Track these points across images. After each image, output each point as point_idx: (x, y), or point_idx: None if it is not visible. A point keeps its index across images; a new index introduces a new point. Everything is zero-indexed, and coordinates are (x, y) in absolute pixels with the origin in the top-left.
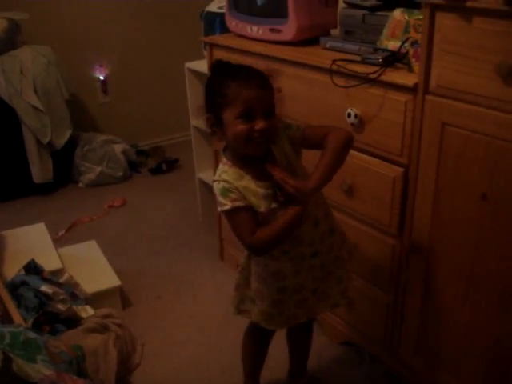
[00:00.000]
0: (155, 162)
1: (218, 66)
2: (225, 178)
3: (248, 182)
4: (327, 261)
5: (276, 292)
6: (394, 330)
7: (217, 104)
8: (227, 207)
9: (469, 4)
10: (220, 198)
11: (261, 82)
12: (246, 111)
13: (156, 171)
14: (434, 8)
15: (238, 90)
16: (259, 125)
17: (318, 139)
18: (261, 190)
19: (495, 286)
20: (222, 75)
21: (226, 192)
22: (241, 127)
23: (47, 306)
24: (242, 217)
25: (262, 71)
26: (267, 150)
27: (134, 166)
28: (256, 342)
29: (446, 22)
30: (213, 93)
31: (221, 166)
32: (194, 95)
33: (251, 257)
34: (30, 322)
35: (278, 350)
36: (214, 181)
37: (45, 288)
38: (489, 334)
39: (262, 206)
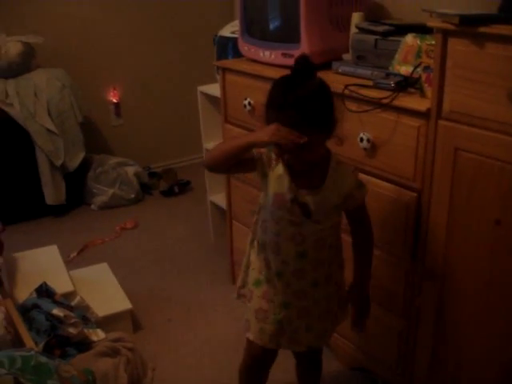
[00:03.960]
0: (167, 184)
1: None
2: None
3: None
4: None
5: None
6: (407, 356)
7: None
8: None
9: (481, 30)
10: None
11: None
12: None
13: (168, 193)
14: (447, 33)
15: None
16: None
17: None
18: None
19: (510, 311)
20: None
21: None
22: None
23: (58, 329)
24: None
25: None
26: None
27: (146, 188)
28: (251, 376)
29: (459, 47)
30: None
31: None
32: (207, 118)
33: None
34: (41, 345)
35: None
36: None
37: (56, 311)
38: (504, 359)
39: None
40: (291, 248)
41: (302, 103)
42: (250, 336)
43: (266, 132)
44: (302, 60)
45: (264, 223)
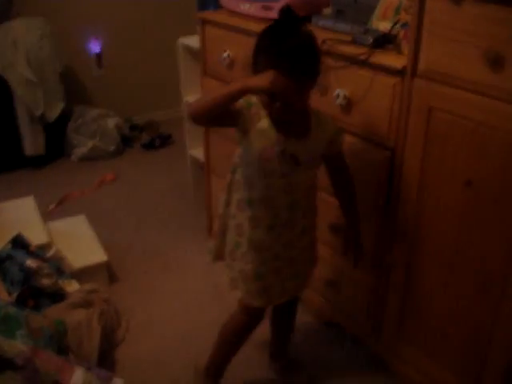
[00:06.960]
0: (149, 137)
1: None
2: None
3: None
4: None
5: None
6: (376, 313)
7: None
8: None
9: None
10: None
11: None
12: None
13: (149, 146)
14: None
15: None
16: None
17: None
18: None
19: (476, 273)
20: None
21: (248, 101)
22: None
23: (32, 280)
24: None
25: None
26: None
27: (127, 141)
28: (242, 328)
29: (437, 4)
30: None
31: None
32: (187, 71)
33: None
34: (15, 295)
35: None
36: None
37: (30, 262)
38: (469, 319)
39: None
40: (283, 199)
41: (296, 52)
42: (240, 295)
43: (265, 78)
44: (286, 10)
45: (249, 180)
